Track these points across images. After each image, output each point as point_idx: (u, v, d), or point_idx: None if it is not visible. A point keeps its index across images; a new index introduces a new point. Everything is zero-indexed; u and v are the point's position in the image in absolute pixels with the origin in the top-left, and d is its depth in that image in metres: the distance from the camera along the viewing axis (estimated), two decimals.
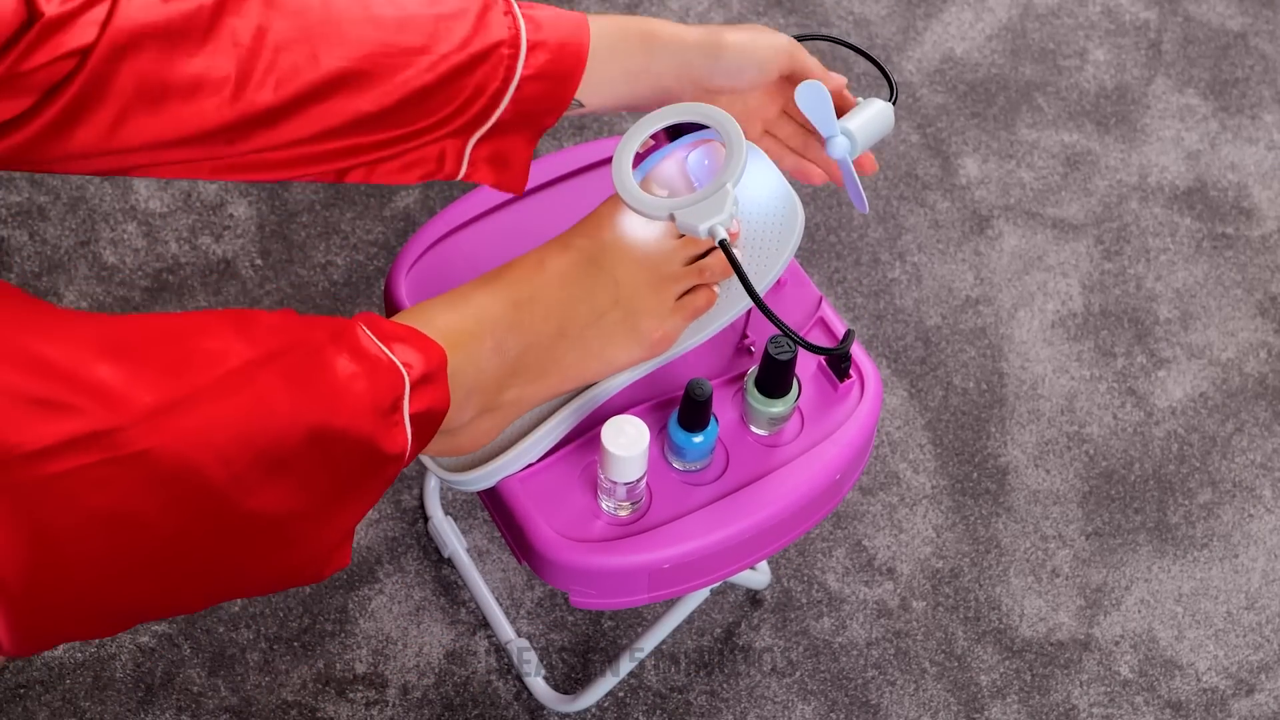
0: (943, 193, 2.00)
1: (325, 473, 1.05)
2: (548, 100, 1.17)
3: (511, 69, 1.14)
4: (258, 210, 1.92)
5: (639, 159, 1.26)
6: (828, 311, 1.37)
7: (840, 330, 1.37)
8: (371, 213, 1.93)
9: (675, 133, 1.29)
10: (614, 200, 1.25)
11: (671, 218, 1.16)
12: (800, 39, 1.29)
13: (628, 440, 1.20)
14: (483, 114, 1.15)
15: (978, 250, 1.96)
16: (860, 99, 1.27)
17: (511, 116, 1.16)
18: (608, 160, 1.43)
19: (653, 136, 1.26)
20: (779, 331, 1.21)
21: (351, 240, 1.91)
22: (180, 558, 1.01)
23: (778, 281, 1.37)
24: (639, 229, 1.24)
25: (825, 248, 1.94)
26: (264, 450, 1.00)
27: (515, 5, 1.15)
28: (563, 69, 1.16)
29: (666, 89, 1.23)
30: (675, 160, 1.27)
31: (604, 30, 1.18)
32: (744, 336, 1.36)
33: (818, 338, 1.37)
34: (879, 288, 1.93)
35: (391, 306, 1.36)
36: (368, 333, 1.10)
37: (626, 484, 1.23)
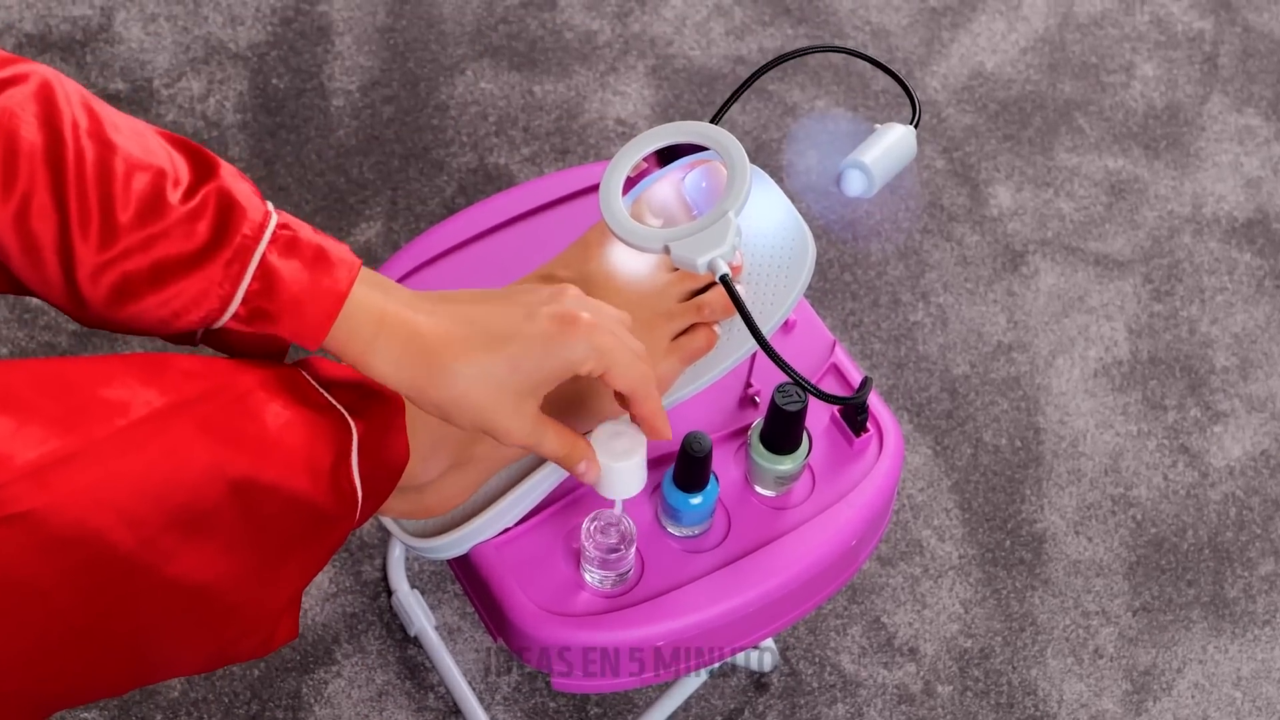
0: (971, 225, 2.01)
1: (256, 533, 1.05)
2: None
3: None
4: None
5: (629, 184, 1.24)
6: (842, 357, 1.38)
7: (856, 378, 1.37)
8: None
9: (668, 157, 1.28)
10: (601, 227, 1.26)
11: (666, 250, 1.16)
12: (811, 51, 1.30)
13: (623, 447, 1.18)
14: None
15: (1011, 290, 1.97)
16: (876, 125, 1.27)
17: None
18: (595, 187, 1.44)
19: (645, 159, 1.25)
20: (787, 379, 1.21)
21: None
22: (93, 632, 1.01)
23: (786, 323, 1.38)
24: (629, 261, 1.25)
25: (839, 286, 1.95)
26: (179, 509, 1.00)
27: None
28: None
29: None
30: (670, 184, 1.26)
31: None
32: (748, 385, 1.36)
33: (831, 386, 1.38)
34: (900, 332, 1.94)
35: None
36: (308, 377, 1.09)
37: (615, 526, 1.22)
